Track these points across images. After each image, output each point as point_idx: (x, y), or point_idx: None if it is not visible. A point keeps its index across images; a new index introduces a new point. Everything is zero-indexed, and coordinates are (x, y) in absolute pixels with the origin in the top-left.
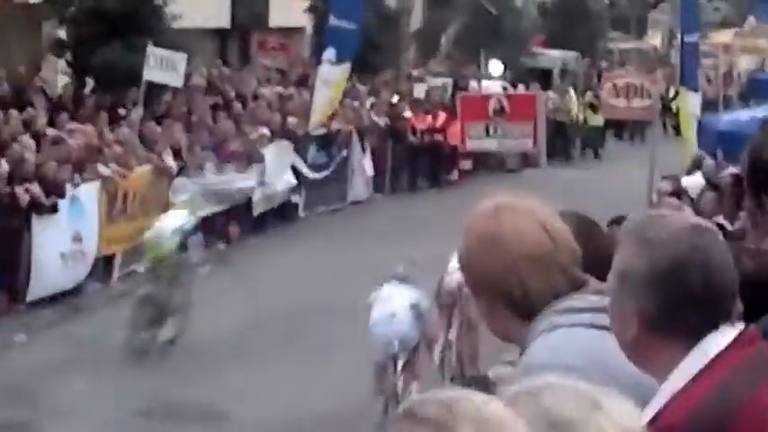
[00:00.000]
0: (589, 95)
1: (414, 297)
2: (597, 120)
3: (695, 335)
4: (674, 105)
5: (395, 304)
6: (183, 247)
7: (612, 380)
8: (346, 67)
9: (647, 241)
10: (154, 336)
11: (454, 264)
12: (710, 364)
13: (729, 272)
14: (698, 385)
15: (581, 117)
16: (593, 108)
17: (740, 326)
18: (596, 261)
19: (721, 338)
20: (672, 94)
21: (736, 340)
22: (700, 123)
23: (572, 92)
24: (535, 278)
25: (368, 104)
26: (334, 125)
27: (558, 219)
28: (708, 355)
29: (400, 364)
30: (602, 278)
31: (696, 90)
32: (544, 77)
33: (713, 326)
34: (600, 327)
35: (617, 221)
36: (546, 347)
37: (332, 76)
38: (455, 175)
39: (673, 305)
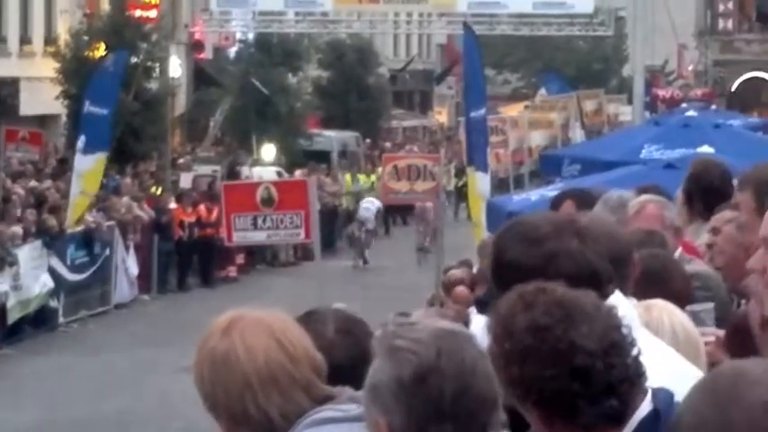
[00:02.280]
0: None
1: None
2: None
3: None
4: (451, 183)
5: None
6: None
7: None
8: (100, 156)
9: (393, 350)
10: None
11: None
12: None
13: (484, 379)
14: None
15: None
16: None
17: None
18: (358, 362)
19: None
20: (453, 171)
21: None
22: (490, 206)
23: (347, 176)
24: (273, 398)
25: (129, 197)
26: (94, 221)
27: (297, 330)
28: None
29: None
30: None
31: (484, 169)
32: (322, 160)
33: None
34: None
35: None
36: None
37: (85, 166)
38: (229, 270)
39: (421, 418)
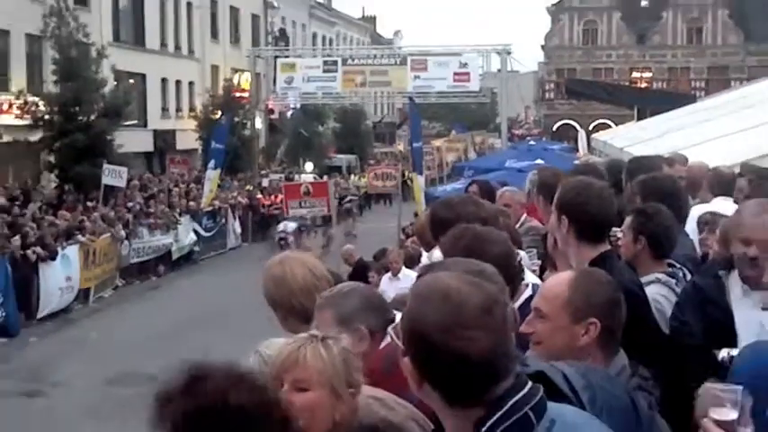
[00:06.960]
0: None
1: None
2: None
3: None
4: (408, 183)
5: None
6: None
7: None
8: (218, 171)
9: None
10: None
11: None
12: None
13: None
14: None
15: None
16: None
17: None
18: None
19: None
20: (407, 176)
21: None
22: (426, 193)
23: (353, 177)
24: (308, 300)
25: (235, 191)
26: (217, 204)
27: (321, 265)
28: None
29: None
30: None
31: (421, 173)
32: (338, 171)
33: None
34: None
35: (379, 256)
36: None
37: (212, 176)
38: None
39: None
